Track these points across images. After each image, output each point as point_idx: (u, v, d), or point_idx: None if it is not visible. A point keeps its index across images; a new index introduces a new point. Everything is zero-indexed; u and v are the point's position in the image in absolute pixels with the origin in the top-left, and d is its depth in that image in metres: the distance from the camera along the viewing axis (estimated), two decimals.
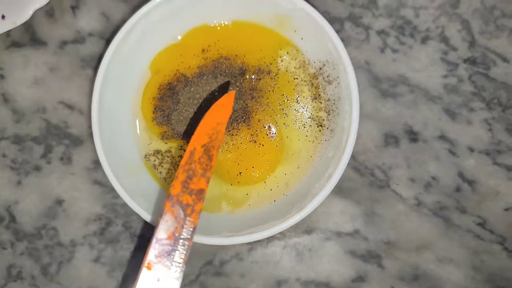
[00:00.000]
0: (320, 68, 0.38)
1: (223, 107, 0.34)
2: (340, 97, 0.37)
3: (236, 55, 0.39)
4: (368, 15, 0.41)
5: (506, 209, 0.40)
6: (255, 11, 0.38)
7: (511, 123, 0.40)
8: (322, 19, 0.36)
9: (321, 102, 0.39)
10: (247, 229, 0.36)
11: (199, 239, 0.36)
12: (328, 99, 0.38)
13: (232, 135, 0.38)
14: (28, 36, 0.43)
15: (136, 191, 0.37)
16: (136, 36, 0.38)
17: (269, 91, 0.39)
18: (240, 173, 0.38)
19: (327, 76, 0.38)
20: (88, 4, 0.43)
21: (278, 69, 0.39)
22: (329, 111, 0.38)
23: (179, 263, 0.32)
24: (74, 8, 0.43)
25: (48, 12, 0.42)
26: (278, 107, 0.39)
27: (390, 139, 0.41)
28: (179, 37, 0.40)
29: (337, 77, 0.37)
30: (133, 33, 0.37)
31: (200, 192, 0.32)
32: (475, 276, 0.40)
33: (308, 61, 0.39)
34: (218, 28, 0.40)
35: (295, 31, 0.38)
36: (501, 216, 0.40)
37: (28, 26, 0.42)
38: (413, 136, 0.41)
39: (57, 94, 0.42)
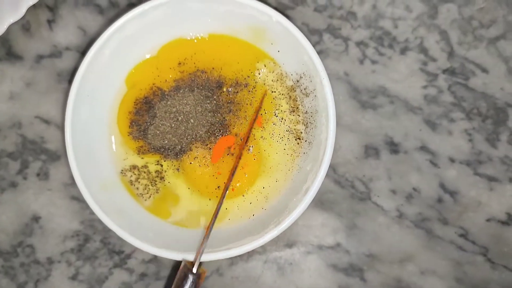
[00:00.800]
0: (298, 81, 0.38)
1: None
2: (317, 110, 0.36)
3: (213, 68, 0.39)
4: (347, 27, 0.41)
5: (488, 220, 0.40)
6: (232, 24, 0.38)
7: (491, 133, 0.40)
8: (297, 31, 0.36)
9: (299, 115, 0.38)
10: (225, 245, 0.35)
11: (176, 255, 0.35)
12: (306, 111, 0.38)
13: (210, 148, 0.38)
14: (3, 51, 0.42)
15: (112, 207, 0.36)
16: (110, 49, 0.37)
17: (247, 104, 0.38)
18: (219, 187, 0.38)
19: (304, 89, 0.38)
20: (64, 17, 0.42)
21: (256, 82, 0.39)
22: (307, 123, 0.38)
23: None
24: (50, 22, 0.42)
25: (24, 26, 0.42)
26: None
27: (371, 151, 0.41)
28: (155, 51, 0.39)
29: (314, 90, 0.36)
30: (107, 47, 0.37)
31: None
32: None
33: (286, 73, 0.38)
34: (195, 41, 0.39)
35: (271, 44, 0.38)
36: (483, 227, 0.40)
37: (3, 40, 0.42)
38: (393, 147, 0.41)
39: (33, 109, 0.42)
